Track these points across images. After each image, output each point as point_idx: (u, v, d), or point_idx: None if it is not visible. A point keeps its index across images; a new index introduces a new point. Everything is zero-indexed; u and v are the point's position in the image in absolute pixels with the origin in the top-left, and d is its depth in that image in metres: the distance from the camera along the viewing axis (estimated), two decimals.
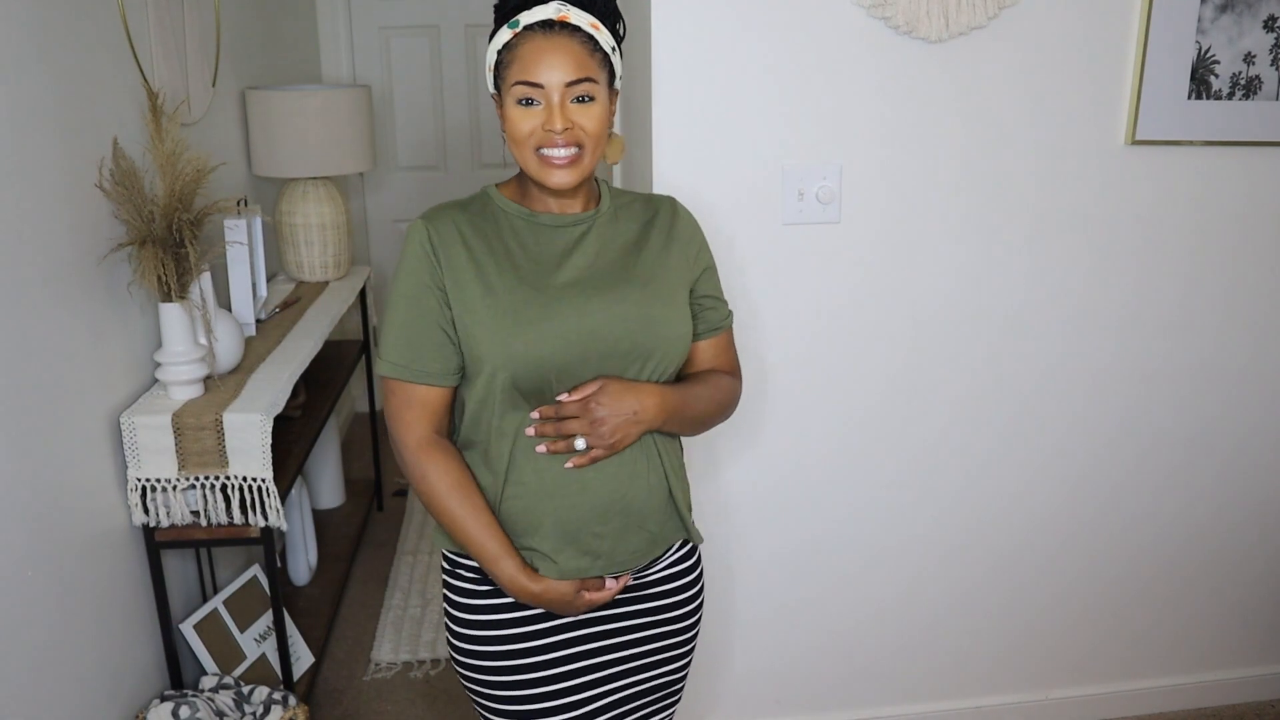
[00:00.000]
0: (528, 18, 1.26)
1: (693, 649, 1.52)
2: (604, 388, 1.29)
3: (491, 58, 1.30)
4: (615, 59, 1.31)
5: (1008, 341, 2.04)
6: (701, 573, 1.51)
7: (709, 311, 1.45)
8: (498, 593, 1.37)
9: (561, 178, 1.28)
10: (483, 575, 1.38)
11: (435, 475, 1.32)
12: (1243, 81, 1.93)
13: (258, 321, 2.45)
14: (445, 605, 1.43)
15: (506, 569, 1.32)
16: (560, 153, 1.26)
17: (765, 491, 2.06)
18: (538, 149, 1.27)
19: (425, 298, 1.30)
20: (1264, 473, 2.23)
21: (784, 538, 2.10)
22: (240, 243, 2.28)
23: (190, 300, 1.92)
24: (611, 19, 1.32)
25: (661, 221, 1.41)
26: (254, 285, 2.40)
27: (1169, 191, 2.00)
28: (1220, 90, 1.93)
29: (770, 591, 2.13)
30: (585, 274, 1.32)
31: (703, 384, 1.42)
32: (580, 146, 1.27)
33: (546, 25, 1.26)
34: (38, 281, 1.64)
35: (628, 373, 1.33)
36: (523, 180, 1.36)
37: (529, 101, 1.26)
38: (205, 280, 2.00)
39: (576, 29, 1.26)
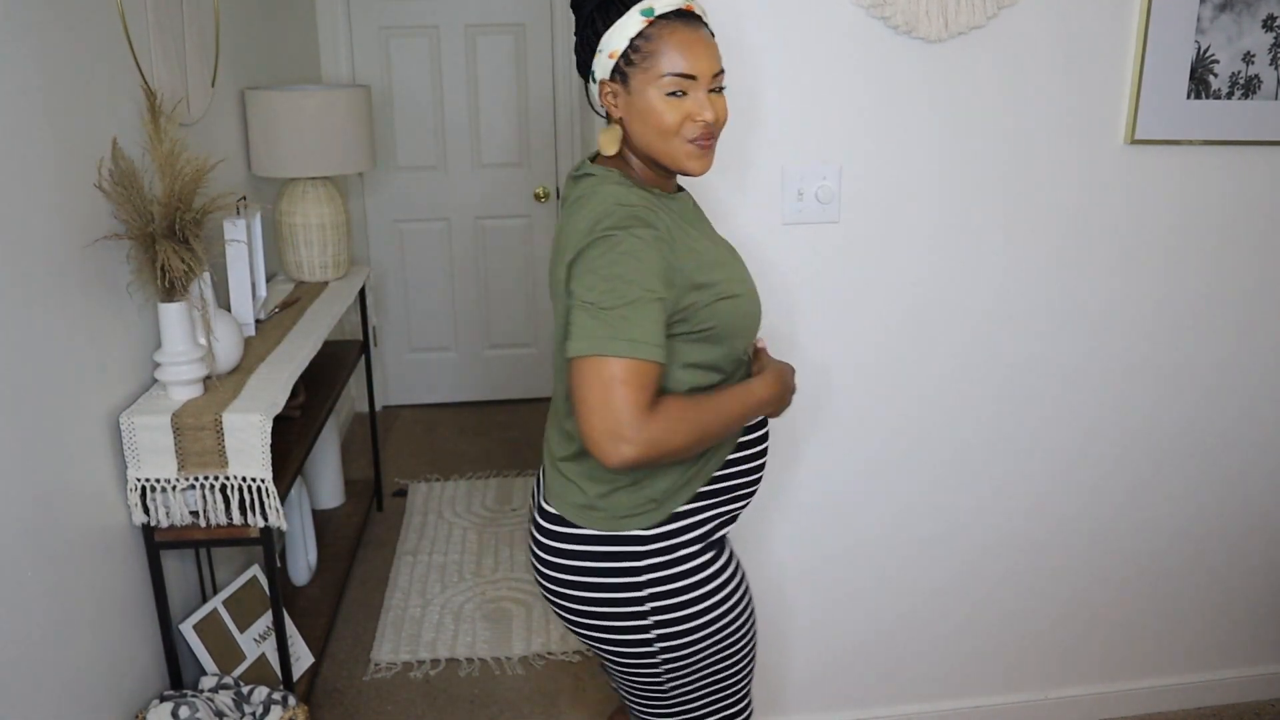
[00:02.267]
0: (662, 5, 1.27)
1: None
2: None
3: (619, 44, 1.27)
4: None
5: (1007, 341, 2.04)
6: None
7: None
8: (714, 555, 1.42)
9: (703, 164, 1.32)
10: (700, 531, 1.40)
11: (675, 411, 1.24)
12: (1242, 81, 1.93)
13: (257, 321, 2.45)
14: (688, 593, 1.37)
15: (759, 388, 1.38)
16: (704, 142, 1.30)
17: (767, 496, 2.05)
18: (688, 139, 1.29)
19: (667, 282, 1.25)
20: (1265, 472, 2.23)
21: (780, 540, 2.10)
22: (240, 241, 2.28)
23: (190, 300, 1.92)
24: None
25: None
26: (253, 285, 2.40)
27: (1168, 191, 2.00)
28: (1219, 90, 1.93)
29: (763, 593, 2.13)
30: (717, 240, 1.43)
31: None
32: (716, 136, 1.32)
33: (681, 15, 1.27)
34: (37, 282, 1.64)
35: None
36: (634, 168, 1.36)
37: (679, 92, 1.27)
38: (205, 280, 2.00)
39: (701, 18, 1.30)
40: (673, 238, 1.29)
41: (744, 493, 1.46)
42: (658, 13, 1.26)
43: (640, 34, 1.26)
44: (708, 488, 1.40)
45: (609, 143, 1.34)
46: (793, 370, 1.47)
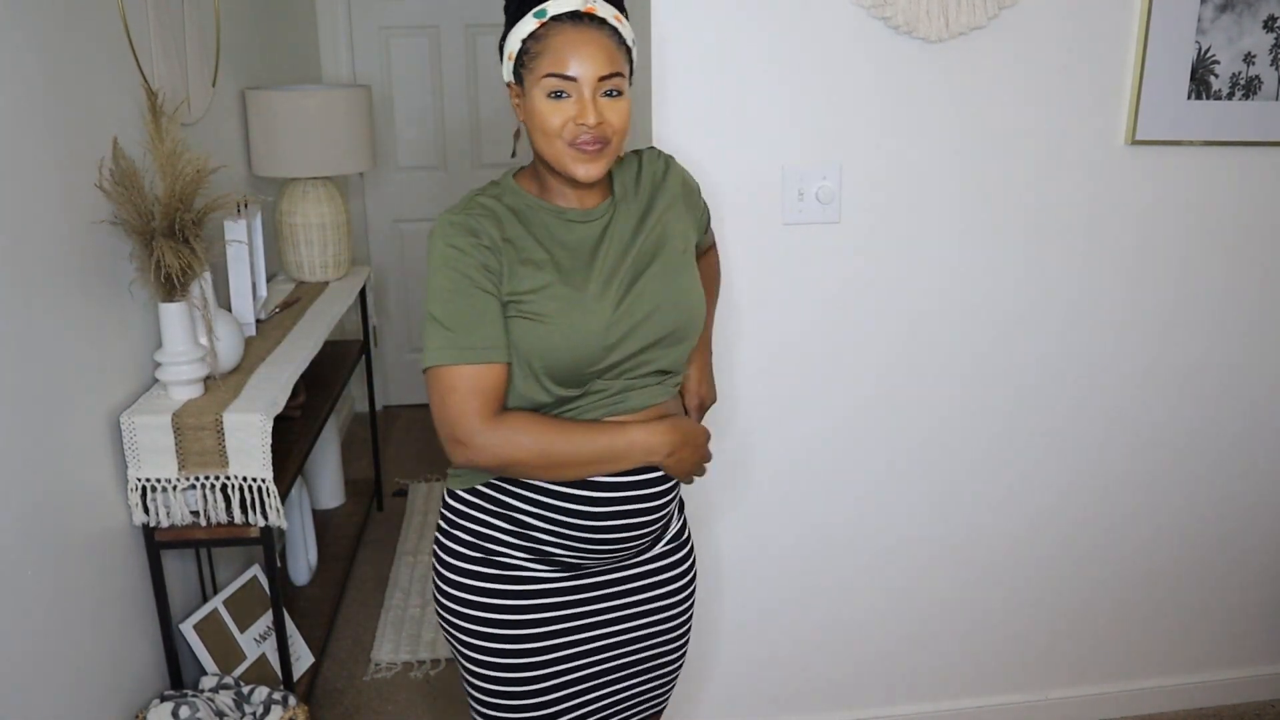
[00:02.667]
0: (555, 7, 1.25)
1: (689, 627, 1.55)
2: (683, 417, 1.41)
3: (515, 45, 1.28)
4: (633, 56, 1.32)
5: (1006, 340, 2.04)
6: (693, 548, 1.55)
7: (707, 221, 1.56)
8: (490, 561, 1.38)
9: (589, 170, 1.28)
10: (483, 531, 1.38)
11: (524, 425, 1.28)
12: (1242, 81, 1.93)
13: (258, 321, 2.45)
14: (436, 565, 1.42)
15: (638, 434, 1.32)
16: (589, 146, 1.26)
17: (762, 490, 2.06)
18: (568, 142, 1.26)
19: (479, 278, 1.26)
20: (1263, 472, 2.23)
21: (782, 536, 2.10)
22: (240, 242, 2.28)
23: (190, 300, 1.92)
24: (621, 6, 1.32)
25: (658, 183, 1.43)
26: (254, 285, 2.40)
27: (1169, 191, 2.00)
28: (1220, 90, 1.93)
29: (768, 589, 2.13)
30: (615, 264, 1.34)
31: (709, 289, 1.54)
32: (608, 141, 1.27)
33: (575, 17, 1.25)
34: (37, 281, 1.64)
35: (670, 352, 1.36)
36: (539, 173, 1.35)
37: (560, 94, 1.25)
38: (205, 280, 2.00)
39: (603, 22, 1.26)
40: (498, 245, 1.28)
41: (555, 540, 1.35)
42: (549, 15, 1.25)
43: (532, 34, 1.26)
44: (507, 498, 1.36)
45: (521, 150, 1.37)
46: (706, 434, 1.41)
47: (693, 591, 1.53)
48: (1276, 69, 1.93)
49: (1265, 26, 1.91)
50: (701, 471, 1.42)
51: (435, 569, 1.43)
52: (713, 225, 1.54)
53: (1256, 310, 2.11)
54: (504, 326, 1.28)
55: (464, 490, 1.39)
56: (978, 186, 1.93)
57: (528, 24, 1.26)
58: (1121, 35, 1.88)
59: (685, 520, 1.54)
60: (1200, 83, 1.92)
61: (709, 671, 2.17)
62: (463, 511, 1.40)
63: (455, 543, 1.40)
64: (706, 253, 1.62)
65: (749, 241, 1.89)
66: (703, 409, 1.58)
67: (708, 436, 1.42)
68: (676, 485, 1.42)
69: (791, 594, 2.14)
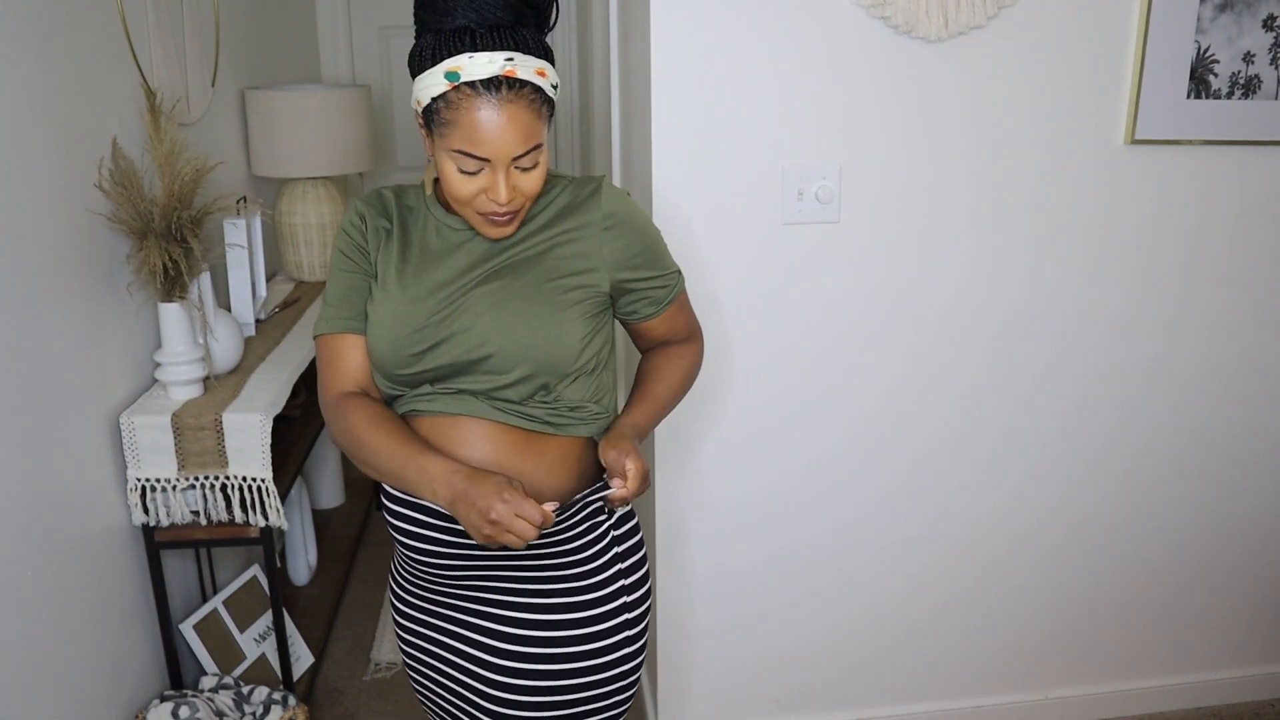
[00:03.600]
0: (469, 72, 1.12)
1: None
2: (632, 453, 1.24)
3: (423, 97, 1.17)
4: (556, 93, 1.21)
5: (1007, 340, 2.04)
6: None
7: (653, 290, 1.35)
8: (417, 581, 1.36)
9: (500, 233, 1.24)
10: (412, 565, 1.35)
11: (349, 414, 1.26)
12: (1242, 81, 1.93)
13: (257, 321, 2.45)
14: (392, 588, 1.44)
15: (429, 467, 1.19)
16: (500, 217, 1.21)
17: (762, 490, 2.06)
18: (478, 210, 1.21)
19: (356, 258, 1.30)
20: (1262, 472, 2.23)
21: (781, 536, 2.10)
22: (240, 244, 2.28)
23: (190, 300, 1.92)
24: (543, 47, 1.19)
25: (575, 209, 1.29)
26: (253, 285, 2.40)
27: (1168, 191, 2.00)
28: (1219, 90, 1.93)
29: (767, 589, 2.13)
30: (460, 270, 1.26)
31: (663, 380, 1.38)
32: (521, 207, 1.23)
33: (492, 85, 1.13)
34: (37, 282, 1.64)
35: (485, 370, 1.25)
36: None
37: (471, 171, 1.17)
38: (205, 280, 2.00)
39: (524, 84, 1.14)
40: (378, 230, 1.29)
41: (410, 556, 1.31)
42: (462, 80, 1.13)
43: (442, 96, 1.15)
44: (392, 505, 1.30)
45: (430, 170, 1.31)
46: (494, 505, 1.12)
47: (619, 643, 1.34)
48: (1276, 68, 1.93)
49: (1265, 26, 1.91)
50: (497, 541, 1.14)
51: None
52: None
53: (1257, 310, 2.11)
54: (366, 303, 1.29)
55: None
56: (977, 186, 1.93)
57: (437, 82, 1.14)
58: (1121, 35, 1.88)
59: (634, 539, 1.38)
60: (1200, 82, 1.92)
61: (707, 672, 2.17)
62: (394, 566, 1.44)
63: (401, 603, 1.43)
64: (672, 345, 1.43)
65: (749, 241, 1.89)
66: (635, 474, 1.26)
67: (501, 507, 1.12)
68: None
69: (792, 594, 2.14)
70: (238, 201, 2.31)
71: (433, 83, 1.15)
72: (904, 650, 2.23)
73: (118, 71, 1.94)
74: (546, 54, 1.19)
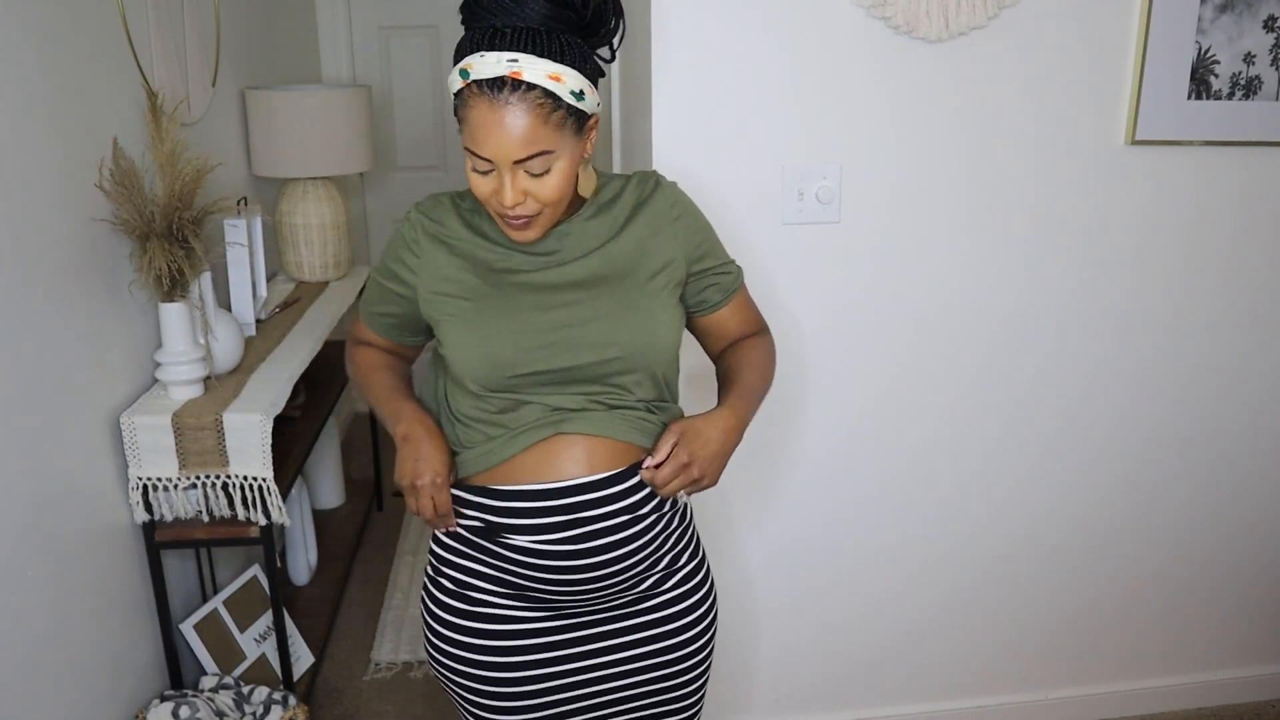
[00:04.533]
0: (477, 70, 1.13)
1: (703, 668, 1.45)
2: (682, 436, 1.26)
3: (452, 86, 1.19)
4: (586, 101, 1.18)
5: (1007, 341, 2.04)
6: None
7: (720, 278, 1.38)
8: (478, 601, 1.34)
9: (523, 236, 1.23)
10: (464, 578, 1.34)
11: (361, 356, 1.43)
12: (1242, 81, 1.93)
13: (258, 321, 2.45)
14: (424, 613, 1.39)
15: (401, 412, 1.32)
16: (515, 221, 1.21)
17: (762, 490, 2.06)
18: (495, 211, 1.22)
19: (393, 280, 1.35)
20: (1262, 472, 2.23)
21: (781, 536, 2.10)
22: (240, 244, 2.28)
23: (190, 300, 1.92)
24: (578, 54, 1.17)
25: (642, 205, 1.33)
26: (254, 285, 2.40)
27: (1169, 191, 2.00)
28: (1220, 90, 1.93)
29: (766, 590, 2.13)
30: (551, 272, 1.28)
31: (750, 367, 1.38)
32: (537, 212, 1.21)
33: (496, 85, 1.12)
34: (38, 282, 1.64)
35: (605, 374, 1.27)
36: None
37: (482, 170, 1.18)
38: (205, 280, 2.00)
39: (531, 87, 1.13)
40: (424, 247, 1.31)
41: (532, 576, 1.30)
42: (471, 78, 1.14)
43: (457, 93, 1.17)
44: (483, 540, 1.31)
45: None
46: (415, 479, 1.27)
47: (707, 640, 1.43)
48: (1276, 69, 1.93)
49: (1265, 26, 1.91)
50: (423, 512, 1.28)
51: (423, 616, 1.40)
52: (713, 226, 1.44)
53: (1257, 310, 2.11)
54: (394, 310, 1.37)
55: (444, 534, 1.36)
56: (978, 186, 1.93)
57: (455, 79, 1.17)
58: (1121, 35, 1.88)
59: (701, 562, 1.43)
60: (1200, 83, 1.92)
61: None
62: (445, 558, 1.36)
63: (440, 591, 1.36)
64: (745, 340, 1.43)
65: (749, 241, 1.89)
66: (675, 453, 1.28)
67: (426, 482, 1.26)
68: (648, 526, 1.30)
69: (791, 594, 2.14)
70: (238, 202, 2.31)
71: (453, 80, 1.18)
72: (904, 650, 2.23)
73: (118, 72, 1.94)
74: (577, 61, 1.17)
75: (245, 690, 2.03)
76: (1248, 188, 2.02)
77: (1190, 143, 1.96)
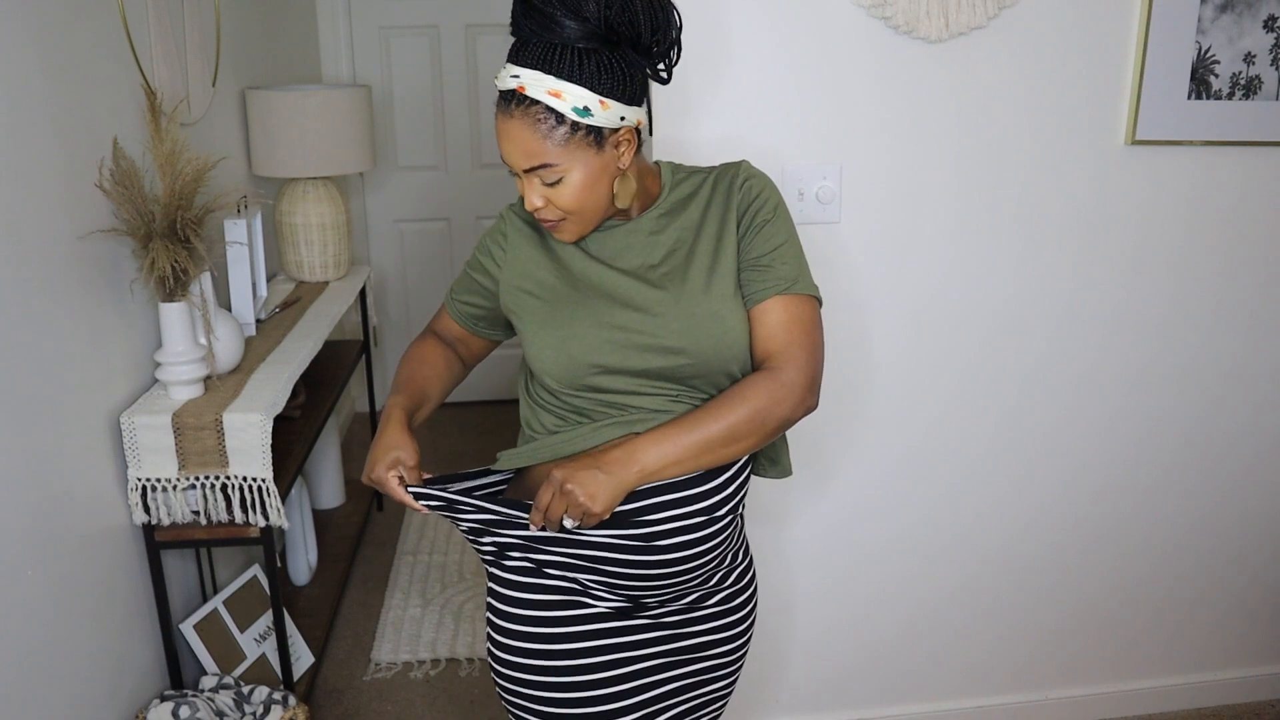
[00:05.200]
0: (499, 81, 1.22)
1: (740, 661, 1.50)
2: (564, 477, 1.22)
3: None
4: (598, 115, 1.18)
5: (1007, 340, 2.04)
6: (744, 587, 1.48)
7: (765, 271, 1.29)
8: (540, 594, 1.34)
9: (561, 237, 1.30)
10: (527, 573, 1.34)
11: (418, 345, 1.48)
12: (1243, 81, 1.93)
13: (258, 321, 2.45)
14: (490, 600, 1.38)
15: (390, 411, 1.35)
16: (546, 224, 1.28)
17: (756, 492, 2.06)
18: (530, 211, 1.27)
19: (480, 270, 1.41)
20: (1262, 472, 2.23)
21: (776, 537, 2.10)
22: (240, 243, 2.28)
23: (190, 300, 1.92)
24: (601, 71, 1.17)
25: (721, 198, 1.32)
26: (254, 285, 2.40)
27: (1169, 191, 2.00)
28: (1220, 90, 1.93)
29: (764, 590, 2.13)
30: (626, 274, 1.30)
31: (721, 404, 1.26)
32: (562, 218, 1.26)
33: (506, 97, 1.20)
34: (37, 281, 1.64)
35: (682, 379, 1.28)
36: None
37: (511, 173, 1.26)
38: (205, 280, 2.00)
39: (534, 102, 1.18)
40: (512, 243, 1.37)
41: (600, 581, 1.31)
42: (498, 89, 1.22)
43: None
44: (543, 555, 1.31)
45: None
46: (381, 470, 1.30)
47: (750, 627, 1.47)
48: (1276, 69, 1.93)
49: (1265, 26, 1.91)
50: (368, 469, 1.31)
51: (488, 603, 1.38)
52: (791, 221, 1.34)
53: (1256, 310, 2.11)
54: (478, 301, 1.44)
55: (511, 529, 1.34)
56: (977, 186, 1.93)
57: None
58: (1121, 35, 1.88)
59: (750, 562, 1.47)
60: (1200, 83, 1.92)
61: None
62: (512, 544, 1.33)
63: (508, 572, 1.35)
64: (748, 379, 1.30)
65: None
66: (556, 489, 1.23)
67: (389, 468, 1.29)
68: (722, 529, 1.31)
69: (790, 594, 2.14)
70: (238, 201, 2.31)
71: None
72: (903, 650, 2.23)
73: (118, 71, 1.94)
74: (593, 79, 1.17)
75: (245, 690, 2.03)
76: (1248, 188, 2.02)
77: (1190, 143, 1.96)
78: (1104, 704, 2.33)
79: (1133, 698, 2.34)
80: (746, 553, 1.47)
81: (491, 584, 1.38)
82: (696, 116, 1.82)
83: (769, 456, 1.44)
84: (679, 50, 1.26)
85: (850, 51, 1.82)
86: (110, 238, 1.85)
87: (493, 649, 1.38)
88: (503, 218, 1.40)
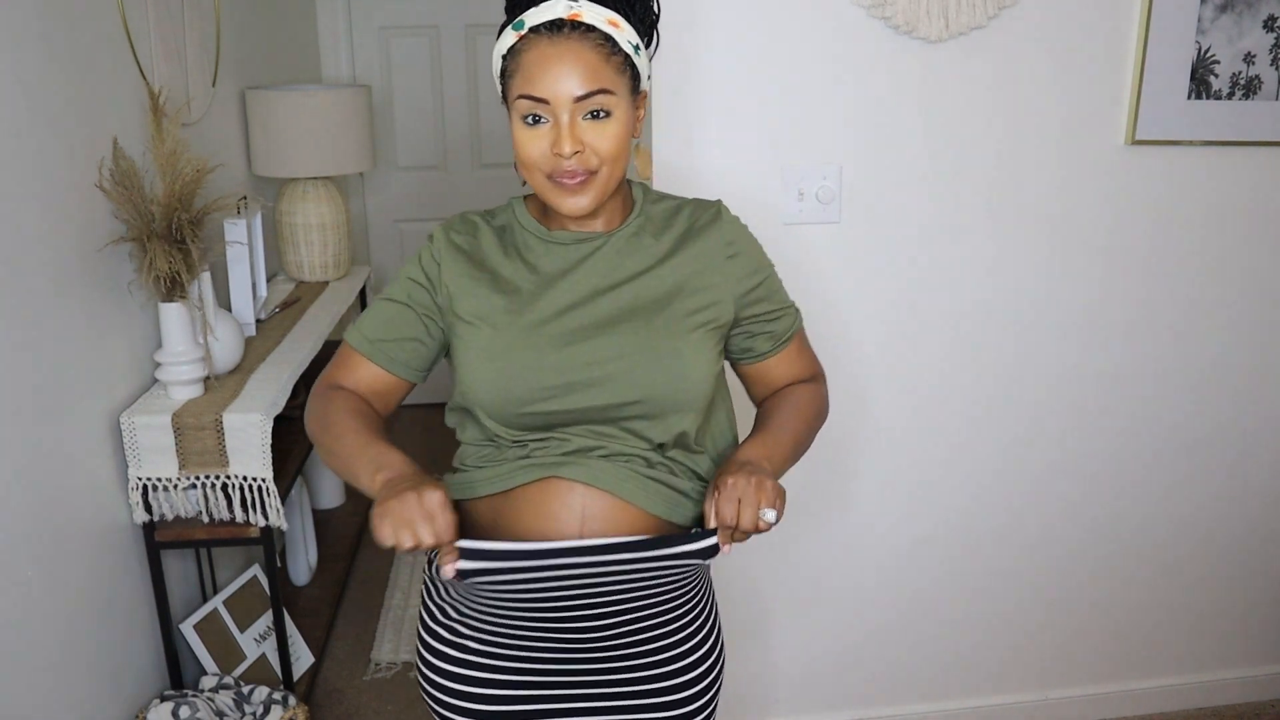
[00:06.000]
0: (534, 17, 1.10)
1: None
2: (741, 486, 1.08)
3: (497, 64, 1.16)
4: (640, 59, 1.15)
5: (1007, 341, 2.04)
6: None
7: (773, 324, 1.28)
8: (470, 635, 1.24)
9: (575, 203, 1.14)
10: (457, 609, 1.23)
11: (326, 397, 1.20)
12: (1243, 81, 1.93)
13: (258, 321, 2.45)
14: (421, 618, 1.30)
15: (384, 461, 1.09)
16: (570, 180, 1.12)
17: None
18: (546, 174, 1.13)
19: (419, 296, 1.22)
20: (1265, 472, 2.23)
21: (778, 538, 2.10)
22: (240, 243, 2.28)
23: (190, 300, 1.92)
24: (640, 10, 1.15)
25: (693, 236, 1.23)
26: (254, 285, 2.40)
27: (1169, 192, 2.00)
28: (1220, 90, 1.93)
29: (765, 591, 2.13)
30: (579, 301, 1.18)
31: (787, 410, 1.25)
32: (594, 170, 1.12)
33: (555, 26, 1.10)
34: (38, 281, 1.64)
35: (622, 417, 1.16)
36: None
37: (536, 119, 1.11)
38: (205, 280, 2.00)
39: (591, 29, 1.10)
40: (447, 267, 1.20)
41: (489, 598, 1.17)
42: (527, 26, 1.11)
43: (510, 49, 1.13)
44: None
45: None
46: (414, 511, 1.00)
47: (705, 703, 1.29)
48: (1276, 69, 1.93)
49: (1265, 26, 1.91)
50: (410, 543, 1.00)
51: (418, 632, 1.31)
52: (773, 267, 1.32)
53: (1257, 310, 2.11)
54: (418, 337, 1.23)
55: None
56: (978, 187, 1.93)
57: (507, 38, 1.13)
58: (1121, 35, 1.88)
59: (712, 612, 1.31)
60: (1200, 83, 1.92)
61: None
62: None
63: (430, 618, 1.28)
64: (794, 386, 1.30)
65: None
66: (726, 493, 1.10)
67: (418, 517, 1.00)
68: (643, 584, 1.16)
69: (790, 596, 2.14)
70: (238, 201, 2.31)
71: (504, 41, 1.14)
72: (903, 651, 2.23)
73: (118, 72, 1.94)
74: (639, 25, 1.15)
75: (245, 690, 2.03)
76: (1248, 187, 2.02)
77: (1190, 143, 1.96)
78: (1105, 704, 2.33)
79: (1133, 697, 2.34)
80: (707, 600, 1.31)
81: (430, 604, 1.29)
82: (696, 116, 1.82)
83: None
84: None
85: (850, 51, 1.82)
86: (110, 237, 1.85)
87: (421, 659, 1.30)
88: (433, 238, 1.24)
